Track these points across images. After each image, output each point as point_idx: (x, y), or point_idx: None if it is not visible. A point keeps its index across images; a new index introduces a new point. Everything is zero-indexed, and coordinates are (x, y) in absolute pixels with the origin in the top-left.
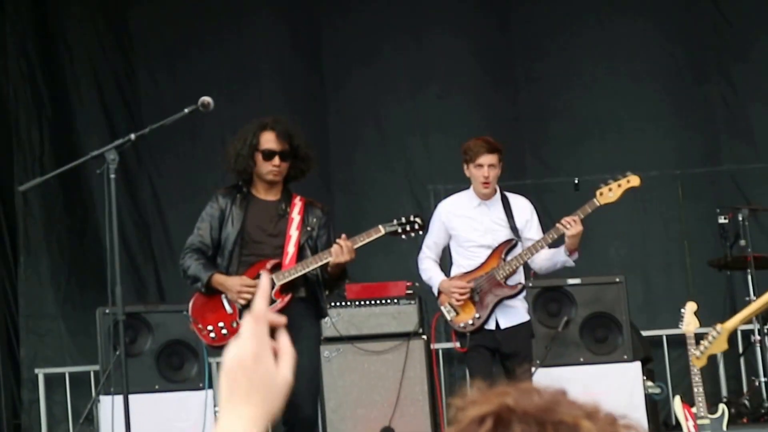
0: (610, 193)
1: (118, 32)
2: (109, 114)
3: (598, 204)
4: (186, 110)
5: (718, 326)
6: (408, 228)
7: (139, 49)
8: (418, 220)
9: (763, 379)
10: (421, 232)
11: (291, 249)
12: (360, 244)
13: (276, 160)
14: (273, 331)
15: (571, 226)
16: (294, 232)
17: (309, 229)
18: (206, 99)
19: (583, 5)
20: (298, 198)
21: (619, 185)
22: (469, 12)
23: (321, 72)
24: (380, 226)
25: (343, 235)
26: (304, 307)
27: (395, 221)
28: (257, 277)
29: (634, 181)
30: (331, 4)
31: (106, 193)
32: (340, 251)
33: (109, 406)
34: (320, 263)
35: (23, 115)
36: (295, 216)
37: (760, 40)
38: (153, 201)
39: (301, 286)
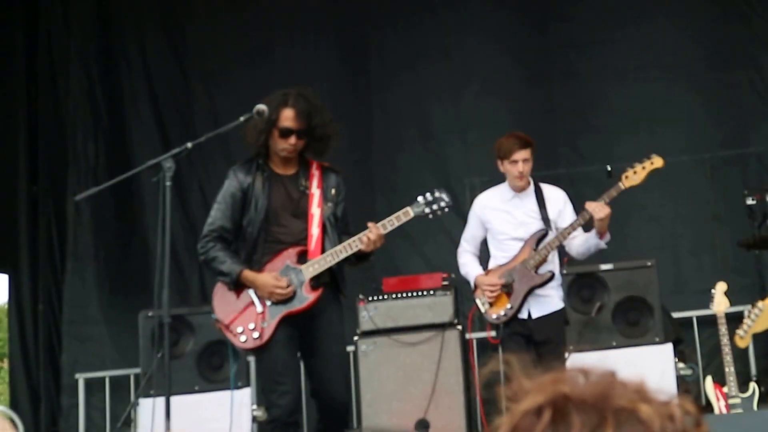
0: (635, 176)
1: (175, 46)
2: (163, 126)
3: (623, 187)
4: (242, 118)
5: (760, 303)
6: (435, 207)
7: (193, 62)
8: (443, 196)
9: None
10: (447, 210)
11: (315, 231)
12: (390, 229)
13: (292, 139)
14: (305, 316)
15: (599, 209)
16: (316, 210)
17: (330, 205)
18: (261, 107)
19: (616, 3)
20: (314, 166)
21: (644, 167)
22: (508, 15)
23: (368, 76)
24: (409, 209)
25: (372, 223)
26: (328, 292)
27: (421, 199)
28: (285, 269)
29: (658, 162)
30: (379, 15)
31: (161, 200)
32: (371, 240)
33: (148, 409)
34: (350, 252)
35: (81, 128)
36: (315, 191)
37: None
38: (202, 204)
39: (325, 271)
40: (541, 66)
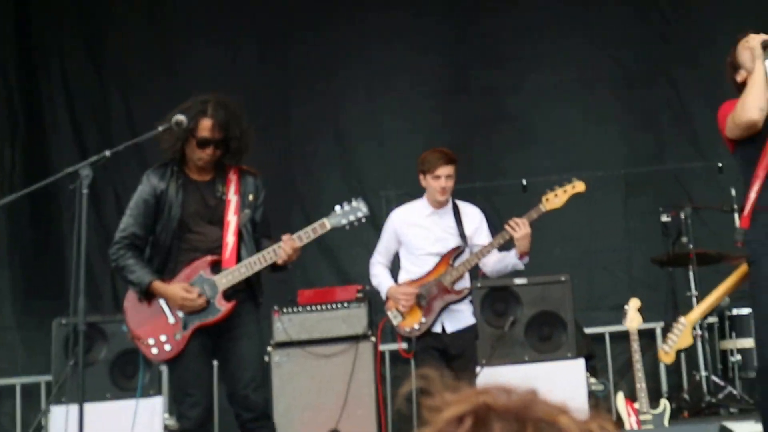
0: (555, 199)
1: (93, 53)
2: (80, 132)
3: (543, 210)
4: (160, 128)
5: (682, 319)
6: (352, 217)
7: (111, 69)
8: (361, 206)
9: (703, 374)
10: (364, 220)
11: (230, 239)
12: (306, 241)
13: (209, 150)
14: (218, 327)
15: (519, 228)
16: (232, 218)
17: (247, 211)
18: (180, 117)
19: (536, 18)
20: (232, 171)
21: (565, 191)
22: (427, 28)
23: (285, 86)
24: (325, 221)
25: (288, 234)
26: (244, 298)
27: (338, 209)
28: (199, 278)
29: (580, 187)
30: (297, 26)
31: (77, 208)
32: (286, 253)
33: (60, 416)
34: (265, 265)
35: None
36: (232, 197)
37: (704, 46)
38: (116, 211)
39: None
40: (458, 79)
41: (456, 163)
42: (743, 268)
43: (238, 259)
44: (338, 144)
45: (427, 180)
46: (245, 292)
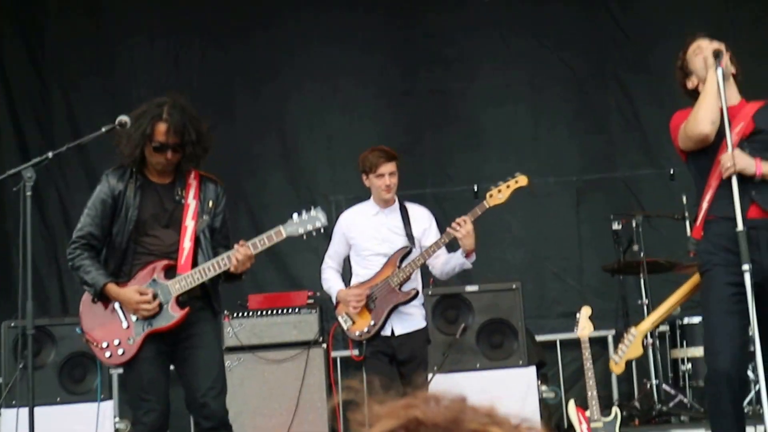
0: (499, 195)
1: (33, 52)
2: (21, 132)
3: (487, 206)
4: (103, 129)
5: (633, 329)
6: (310, 227)
7: (51, 68)
8: (319, 216)
9: (654, 382)
10: (323, 230)
11: (187, 244)
12: (261, 249)
13: (168, 154)
14: (174, 332)
15: (461, 226)
16: (190, 222)
17: (205, 217)
18: (123, 118)
19: (486, 19)
20: (192, 175)
21: (508, 186)
22: (374, 30)
23: (231, 90)
24: (281, 228)
25: (241, 241)
26: (200, 306)
27: (295, 218)
28: (153, 283)
29: (522, 180)
30: (241, 27)
31: (21, 210)
32: (240, 261)
33: (10, 419)
34: (218, 271)
35: None
36: (191, 201)
37: (655, 51)
38: (60, 212)
39: (197, 285)
40: (408, 83)
41: (397, 159)
42: (695, 278)
43: (194, 265)
44: (284, 146)
45: (371, 179)
46: (202, 299)
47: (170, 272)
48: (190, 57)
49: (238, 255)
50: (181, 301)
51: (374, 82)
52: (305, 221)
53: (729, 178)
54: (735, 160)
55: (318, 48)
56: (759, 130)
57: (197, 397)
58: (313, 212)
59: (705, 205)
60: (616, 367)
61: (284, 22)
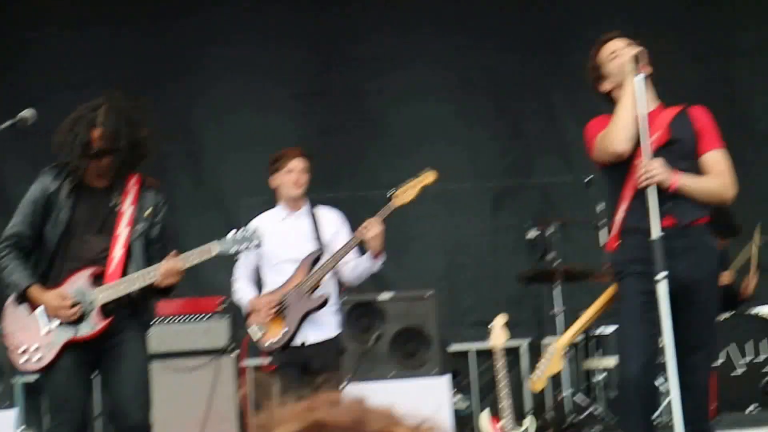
0: (405, 194)
1: None
2: None
3: (395, 206)
4: (8, 122)
5: (552, 345)
6: (244, 245)
7: None
8: (256, 234)
9: (567, 392)
10: (257, 249)
11: (118, 252)
12: (190, 264)
13: (104, 160)
14: (97, 342)
15: (370, 228)
16: (123, 230)
17: (140, 226)
18: (26, 113)
19: (403, 17)
20: (133, 181)
21: (414, 184)
22: (287, 29)
23: (136, 88)
24: (215, 245)
25: (174, 252)
26: (126, 315)
27: (230, 236)
28: (79, 290)
29: (430, 177)
30: (148, 25)
31: None
32: (167, 274)
33: None
34: (145, 283)
35: None
36: (127, 209)
37: (573, 56)
38: None
39: (124, 295)
40: (322, 82)
41: (307, 157)
42: (611, 289)
43: (124, 275)
44: (193, 145)
45: (280, 177)
46: (129, 309)
47: (99, 280)
48: (97, 49)
49: (164, 267)
50: (108, 309)
51: (287, 81)
52: (240, 240)
53: (644, 189)
54: (656, 170)
55: (228, 44)
56: (674, 140)
57: (120, 409)
58: (249, 232)
59: (620, 216)
60: (537, 384)
61: (194, 16)
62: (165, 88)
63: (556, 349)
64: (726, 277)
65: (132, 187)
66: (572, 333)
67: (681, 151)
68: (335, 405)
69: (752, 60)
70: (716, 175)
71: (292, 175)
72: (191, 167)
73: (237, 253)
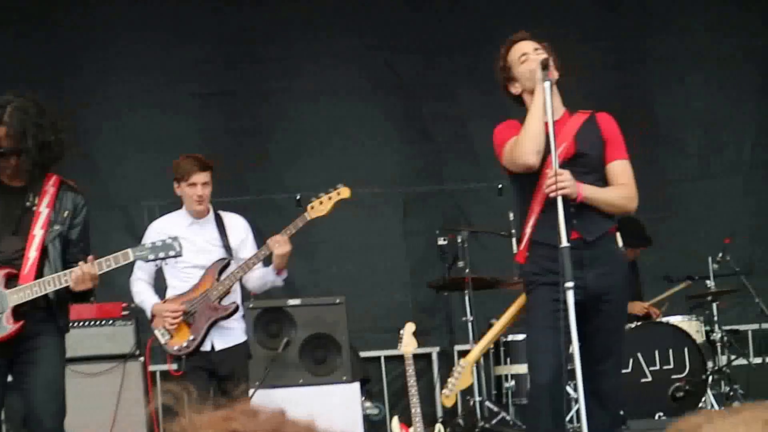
0: (321, 207)
1: None
2: None
3: (308, 218)
4: None
5: (462, 361)
6: (162, 254)
7: None
8: (176, 245)
9: (477, 399)
10: (175, 258)
11: (32, 254)
12: (105, 270)
13: (11, 161)
14: (11, 345)
15: (280, 245)
16: (38, 232)
17: (56, 228)
18: None
19: (311, 17)
20: (51, 181)
21: (330, 198)
22: (189, 21)
23: (61, 87)
24: (129, 252)
25: (91, 257)
26: (41, 319)
27: (148, 243)
28: None
29: (345, 193)
30: (75, 26)
31: None
32: (80, 279)
33: None
34: (58, 287)
35: None
36: (43, 210)
37: (484, 60)
38: None
39: (41, 297)
40: (228, 81)
41: (211, 169)
42: (520, 299)
43: (38, 277)
44: (90, 146)
45: (182, 188)
46: (44, 312)
47: (12, 281)
48: (28, 54)
49: (78, 271)
50: (21, 312)
51: (190, 80)
52: (158, 248)
53: (552, 201)
54: (565, 181)
55: (127, 39)
56: (580, 153)
57: (32, 414)
58: (169, 240)
59: (528, 230)
60: (448, 400)
61: (89, 7)
62: (60, 86)
63: (466, 365)
64: (637, 308)
65: (50, 188)
66: (480, 348)
67: (588, 164)
68: (253, 416)
69: (663, 66)
70: (620, 187)
71: (196, 189)
72: (89, 168)
73: (155, 260)
